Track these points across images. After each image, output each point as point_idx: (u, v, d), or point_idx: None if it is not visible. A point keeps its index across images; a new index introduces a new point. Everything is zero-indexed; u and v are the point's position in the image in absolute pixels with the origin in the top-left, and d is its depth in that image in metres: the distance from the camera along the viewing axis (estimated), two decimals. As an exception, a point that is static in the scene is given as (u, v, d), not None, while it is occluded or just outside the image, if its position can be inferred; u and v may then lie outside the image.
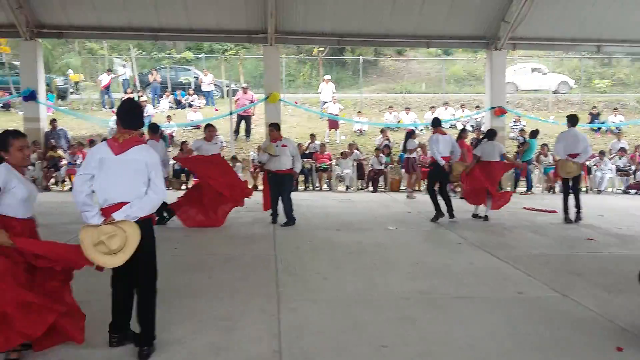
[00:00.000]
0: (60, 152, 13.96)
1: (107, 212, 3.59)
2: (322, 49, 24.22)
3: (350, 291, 5.29)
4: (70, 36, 15.89)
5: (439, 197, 9.33)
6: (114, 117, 16.32)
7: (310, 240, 7.68)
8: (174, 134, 16.81)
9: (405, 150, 13.22)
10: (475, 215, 9.74)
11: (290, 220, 8.78)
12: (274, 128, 8.92)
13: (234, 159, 13.88)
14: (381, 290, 5.36)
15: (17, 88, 18.92)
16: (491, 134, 9.78)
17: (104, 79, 20.47)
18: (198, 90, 20.63)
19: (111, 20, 13.99)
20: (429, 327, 4.35)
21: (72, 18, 13.92)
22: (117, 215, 3.53)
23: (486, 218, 9.49)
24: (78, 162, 13.23)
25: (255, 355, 3.71)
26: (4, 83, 20.76)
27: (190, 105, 19.31)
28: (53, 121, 14.70)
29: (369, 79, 25.63)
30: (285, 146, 8.75)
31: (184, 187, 13.29)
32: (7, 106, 20.03)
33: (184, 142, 14.70)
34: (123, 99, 18.75)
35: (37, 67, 14.19)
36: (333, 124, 17.76)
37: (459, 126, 16.87)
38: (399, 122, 18.42)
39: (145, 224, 3.63)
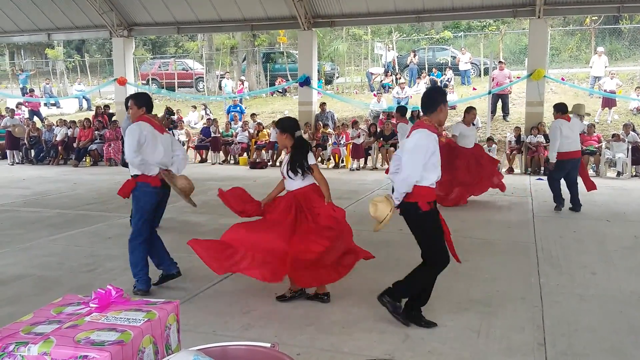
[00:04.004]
0: (329, 130, 15.32)
1: None
2: (595, 17, 21.74)
3: (625, 290, 4.79)
4: (341, 24, 17.15)
5: None
6: (374, 100, 17.48)
7: (575, 230, 7.13)
8: (429, 115, 17.03)
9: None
10: None
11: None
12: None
13: (490, 140, 13.51)
14: (664, 293, 4.75)
15: (292, 75, 21.41)
16: None
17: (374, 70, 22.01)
18: (455, 69, 20.48)
19: (378, 6, 14.83)
20: None
21: (344, 7, 15.15)
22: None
23: None
24: (342, 142, 14.41)
25: (517, 345, 3.65)
26: (281, 70, 23.64)
27: (445, 86, 19.31)
28: (323, 104, 16.21)
29: (650, 50, 22.26)
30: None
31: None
32: (284, 92, 22.74)
33: (439, 123, 14.85)
34: (382, 81, 19.74)
35: (312, 55, 15.81)
36: (608, 102, 15.86)
37: None
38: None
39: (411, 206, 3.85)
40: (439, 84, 20.01)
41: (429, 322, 3.94)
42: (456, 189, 8.69)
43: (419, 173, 3.75)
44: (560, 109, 8.33)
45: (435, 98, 3.94)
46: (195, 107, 20.29)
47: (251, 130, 15.55)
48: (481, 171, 8.79)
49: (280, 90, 22.60)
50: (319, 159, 14.94)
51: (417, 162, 3.74)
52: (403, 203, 3.85)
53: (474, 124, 8.88)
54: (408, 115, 11.07)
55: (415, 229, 3.92)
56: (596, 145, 12.97)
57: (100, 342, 1.88)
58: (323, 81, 21.77)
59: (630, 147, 12.60)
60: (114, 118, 16.48)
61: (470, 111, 8.86)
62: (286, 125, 4.52)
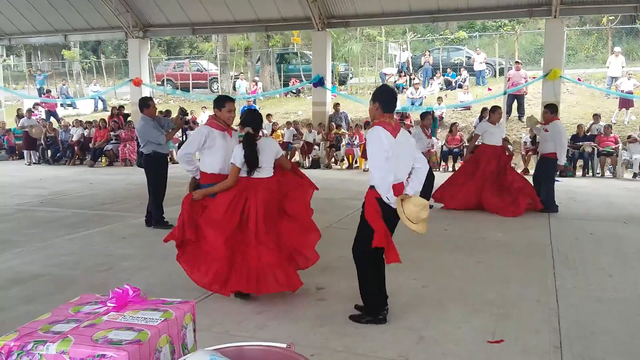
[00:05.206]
0: (343, 131, 15.30)
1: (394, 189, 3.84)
2: (612, 17, 21.48)
3: (643, 293, 4.75)
4: (355, 24, 17.12)
5: None
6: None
7: (591, 232, 7.06)
8: (443, 116, 16.98)
9: None
10: None
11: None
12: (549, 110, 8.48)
13: (505, 140, 13.37)
14: (682, 296, 4.69)
15: (306, 75, 21.42)
16: None
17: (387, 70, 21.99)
18: (470, 69, 20.35)
19: (393, 6, 14.81)
20: None
21: (358, 7, 15.14)
22: (410, 192, 3.90)
23: None
24: (356, 142, 14.40)
25: (533, 348, 3.62)
26: (295, 71, 23.68)
27: (460, 86, 19.22)
28: (336, 105, 16.21)
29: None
30: (547, 131, 8.30)
31: (449, 168, 13.52)
32: (298, 92, 22.77)
33: (453, 124, 14.79)
34: (395, 82, 19.63)
35: (326, 55, 15.81)
36: (625, 103, 15.66)
37: None
38: None
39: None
40: (453, 84, 19.93)
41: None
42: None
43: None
44: (555, 110, 8.58)
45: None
46: (205, 108, 20.33)
47: (266, 131, 15.59)
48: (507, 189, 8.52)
49: (294, 91, 22.63)
50: (333, 159, 14.95)
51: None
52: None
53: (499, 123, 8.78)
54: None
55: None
56: (613, 147, 12.83)
57: (117, 341, 1.90)
58: (337, 84, 21.68)
59: (648, 148, 12.46)
60: (129, 119, 16.62)
61: (495, 110, 8.74)
62: (241, 118, 4.65)
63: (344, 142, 14.77)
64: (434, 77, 20.55)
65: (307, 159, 15.01)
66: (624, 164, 12.63)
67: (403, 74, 21.00)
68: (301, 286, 4.39)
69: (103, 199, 9.66)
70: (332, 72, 19.10)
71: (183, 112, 8.72)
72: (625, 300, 4.55)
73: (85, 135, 16.07)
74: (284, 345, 2.06)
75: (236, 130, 4.98)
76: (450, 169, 13.82)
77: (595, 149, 12.83)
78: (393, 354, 3.52)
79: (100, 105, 24.00)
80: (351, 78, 24.46)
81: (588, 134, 13.36)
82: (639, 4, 12.96)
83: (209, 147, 4.73)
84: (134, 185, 11.11)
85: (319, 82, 15.69)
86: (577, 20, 24.73)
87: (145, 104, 7.28)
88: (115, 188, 11.01)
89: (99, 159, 15.62)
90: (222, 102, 4.85)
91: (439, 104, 16.72)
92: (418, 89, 18.00)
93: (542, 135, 8.46)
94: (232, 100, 4.98)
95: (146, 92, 17.74)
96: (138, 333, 1.97)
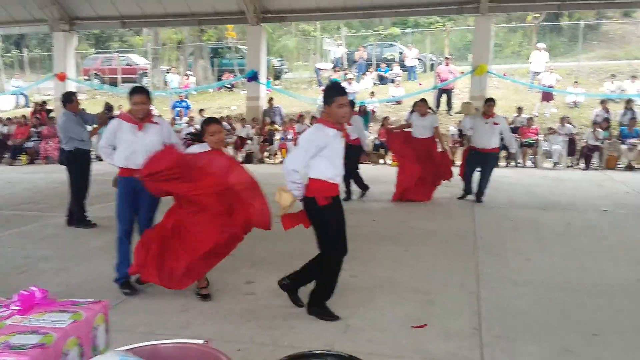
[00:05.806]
0: (276, 126, 15.27)
1: None
2: (537, 15, 22.46)
3: (557, 275, 5.01)
4: (291, 19, 17.10)
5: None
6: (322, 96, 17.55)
7: (512, 219, 7.40)
8: (375, 110, 17.24)
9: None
10: None
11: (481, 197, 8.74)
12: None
13: (436, 129, 13.77)
14: (593, 276, 4.99)
15: (240, 70, 21.19)
16: None
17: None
18: (402, 65, 20.73)
19: (328, 2, 14.88)
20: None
21: (293, 2, 15.10)
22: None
23: None
24: (289, 137, 14.38)
25: (454, 330, 3.75)
26: (229, 66, 23.37)
27: (392, 81, 19.55)
28: (270, 100, 16.14)
29: (588, 46, 23.18)
30: (497, 124, 8.52)
31: (381, 161, 13.80)
32: (231, 87, 22.48)
33: (385, 118, 15.05)
34: (330, 77, 19.76)
35: (260, 50, 15.69)
36: (546, 96, 16.46)
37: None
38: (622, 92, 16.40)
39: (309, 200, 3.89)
40: (387, 78, 20.24)
41: (333, 315, 3.99)
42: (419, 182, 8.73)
43: (298, 164, 3.88)
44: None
45: (327, 94, 3.98)
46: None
47: (197, 126, 15.30)
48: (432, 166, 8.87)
49: (228, 86, 22.33)
50: (266, 153, 14.88)
51: (298, 153, 3.90)
52: (304, 197, 3.90)
53: (432, 111, 9.03)
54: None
55: (313, 222, 3.96)
56: (534, 138, 13.46)
57: (19, 346, 1.81)
58: (272, 79, 21.56)
59: (566, 139, 13.15)
60: (51, 114, 15.91)
61: (417, 103, 8.99)
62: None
63: (277, 137, 14.73)
64: (367, 72, 20.78)
65: (239, 154, 14.86)
66: (544, 154, 13.27)
67: (338, 69, 21.13)
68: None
69: (22, 199, 9.21)
70: (267, 66, 18.99)
71: (108, 107, 8.45)
72: (541, 283, 4.79)
73: (4, 132, 15.25)
74: (201, 342, 2.03)
75: (157, 123, 4.77)
76: (382, 161, 14.08)
77: (518, 140, 13.41)
78: (319, 344, 3.54)
79: (22, 101, 22.81)
80: (286, 73, 24.40)
81: (512, 126, 13.92)
82: (562, 2, 13.61)
83: (117, 140, 4.62)
84: (56, 183, 10.62)
85: (253, 77, 15.58)
86: (504, 18, 25.67)
87: (68, 99, 7.03)
88: (36, 187, 10.51)
89: (19, 157, 14.85)
90: (131, 93, 4.67)
91: (372, 99, 16.96)
92: (351, 83, 18.16)
93: (487, 129, 8.50)
94: (143, 91, 4.76)
95: (71, 87, 17.01)
96: (43, 336, 1.89)
